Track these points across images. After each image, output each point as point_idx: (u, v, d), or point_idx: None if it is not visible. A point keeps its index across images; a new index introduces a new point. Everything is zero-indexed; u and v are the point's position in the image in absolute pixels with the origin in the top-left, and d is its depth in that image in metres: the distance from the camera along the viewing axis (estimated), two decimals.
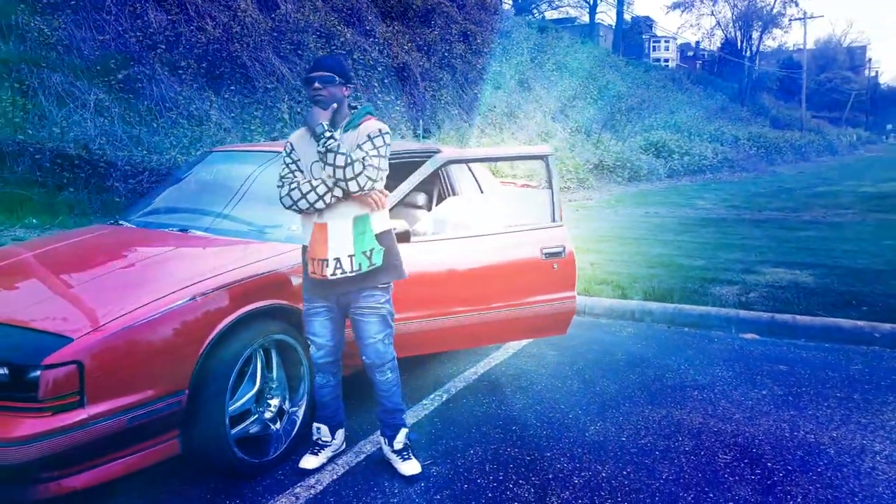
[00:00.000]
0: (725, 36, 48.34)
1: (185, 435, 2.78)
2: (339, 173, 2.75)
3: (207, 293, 2.81)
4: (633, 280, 6.26)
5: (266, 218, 3.62)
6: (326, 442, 3.16)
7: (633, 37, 49.72)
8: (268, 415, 3.15)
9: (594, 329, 5.22)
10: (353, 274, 2.83)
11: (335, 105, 2.86)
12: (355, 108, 2.98)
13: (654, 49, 61.02)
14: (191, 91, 12.26)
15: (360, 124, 2.90)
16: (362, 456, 3.25)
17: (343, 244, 2.81)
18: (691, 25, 74.40)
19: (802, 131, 39.86)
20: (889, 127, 70.88)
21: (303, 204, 2.81)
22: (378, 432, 3.42)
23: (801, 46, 47.88)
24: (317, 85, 2.85)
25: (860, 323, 4.88)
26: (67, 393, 2.40)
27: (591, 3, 42.01)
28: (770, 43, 49.10)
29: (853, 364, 4.46)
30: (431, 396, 3.94)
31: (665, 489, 2.94)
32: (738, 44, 46.75)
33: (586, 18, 44.02)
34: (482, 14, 24.64)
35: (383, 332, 2.99)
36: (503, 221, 4.04)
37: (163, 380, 2.65)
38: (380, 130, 2.86)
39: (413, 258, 3.37)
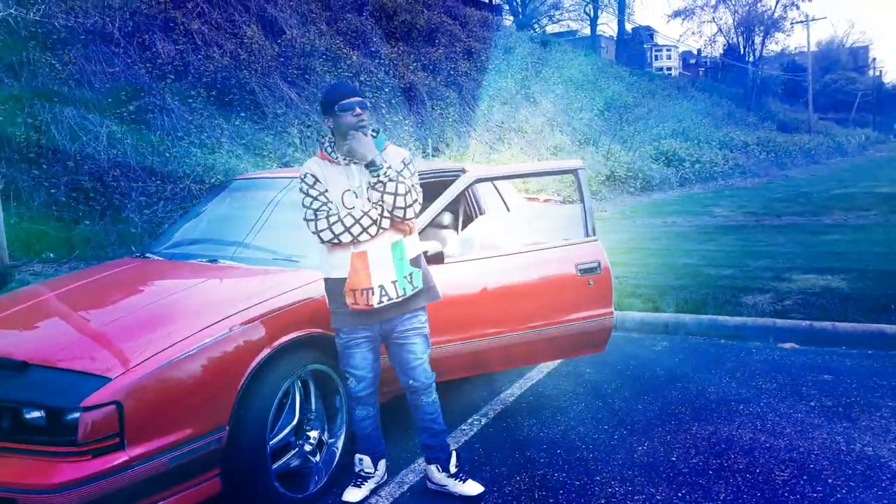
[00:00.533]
0: (727, 42, 48.30)
1: (226, 472, 2.68)
2: (400, 201, 2.73)
3: (244, 325, 2.74)
4: (663, 292, 6.14)
5: (295, 245, 3.53)
6: (369, 473, 3.06)
7: (635, 46, 49.75)
8: (307, 447, 3.06)
9: (628, 344, 5.10)
10: (399, 300, 2.76)
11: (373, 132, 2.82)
12: (375, 132, 2.91)
13: (657, 58, 61.07)
14: (201, 119, 12.28)
15: (383, 150, 2.86)
16: (405, 486, 3.15)
17: (385, 271, 2.75)
18: (693, 33, 74.56)
19: (811, 134, 39.68)
20: None
21: (345, 237, 2.75)
22: (420, 461, 3.34)
23: (804, 49, 47.87)
24: (358, 110, 2.79)
25: None
26: (107, 435, 2.31)
27: (592, 15, 42.11)
28: (773, 47, 49.00)
29: None
30: (469, 421, 3.84)
31: None
32: (741, 49, 46.68)
33: (587, 31, 44.10)
34: (485, 31, 24.75)
35: (427, 351, 2.95)
36: (534, 238, 3.95)
37: (202, 417, 2.56)
38: (410, 156, 2.88)
39: (446, 279, 3.29)
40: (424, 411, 2.97)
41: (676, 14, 47.39)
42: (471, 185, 3.74)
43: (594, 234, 3.89)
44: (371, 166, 2.74)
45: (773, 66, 50.29)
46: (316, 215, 2.78)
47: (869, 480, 3.01)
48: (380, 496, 3.06)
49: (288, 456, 2.96)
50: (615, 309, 5.55)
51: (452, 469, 3.02)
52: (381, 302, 2.74)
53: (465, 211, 4.45)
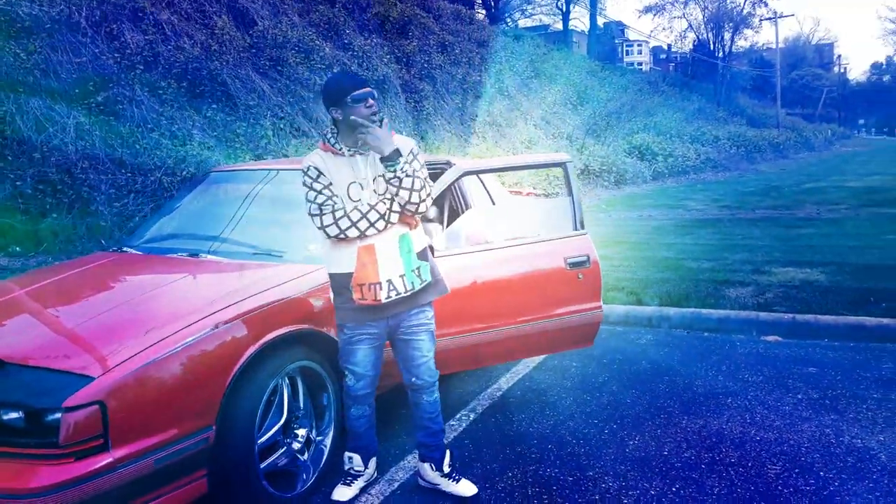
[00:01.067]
0: (697, 38, 48.69)
1: (213, 473, 2.59)
2: (415, 197, 2.65)
3: (231, 322, 2.64)
4: (645, 285, 6.14)
5: (279, 238, 3.45)
6: (359, 471, 2.99)
7: (607, 41, 49.97)
8: (296, 445, 2.97)
9: (612, 338, 5.08)
10: (407, 294, 2.69)
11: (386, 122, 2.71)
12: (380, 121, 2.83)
13: (628, 53, 61.48)
14: (172, 111, 12.02)
15: None
16: (395, 484, 3.08)
17: (393, 265, 2.66)
18: (663, 29, 74.86)
19: (779, 129, 40.21)
20: (861, 122, 72.05)
21: (352, 232, 2.65)
22: (410, 457, 3.28)
23: (772, 45, 48.51)
24: (371, 101, 2.68)
25: (885, 320, 4.79)
26: (91, 436, 2.21)
27: (564, 9, 42.16)
28: (742, 43, 49.52)
29: (883, 363, 4.36)
30: (458, 416, 3.78)
31: None
32: (711, 45, 47.12)
33: (559, 26, 44.18)
34: (458, 24, 24.63)
35: (433, 349, 2.88)
36: (522, 232, 3.89)
37: (189, 416, 2.46)
38: (417, 146, 2.77)
39: None
40: (424, 410, 2.90)
41: (647, 10, 47.62)
42: (459, 178, 3.67)
43: (583, 228, 3.85)
44: (388, 160, 2.62)
45: (742, 63, 50.87)
46: (321, 210, 2.67)
47: (860, 473, 3.02)
48: (370, 494, 2.99)
49: (276, 455, 2.87)
50: None
51: (446, 468, 2.96)
52: (389, 297, 2.66)
53: (450, 204, 4.38)
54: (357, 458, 2.98)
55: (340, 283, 2.74)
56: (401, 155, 2.64)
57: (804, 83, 64.48)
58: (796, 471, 3.05)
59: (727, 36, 46.27)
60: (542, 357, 4.63)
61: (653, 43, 61.84)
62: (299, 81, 15.11)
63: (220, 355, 2.57)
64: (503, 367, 4.47)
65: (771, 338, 4.94)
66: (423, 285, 2.74)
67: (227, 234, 3.51)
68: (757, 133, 35.55)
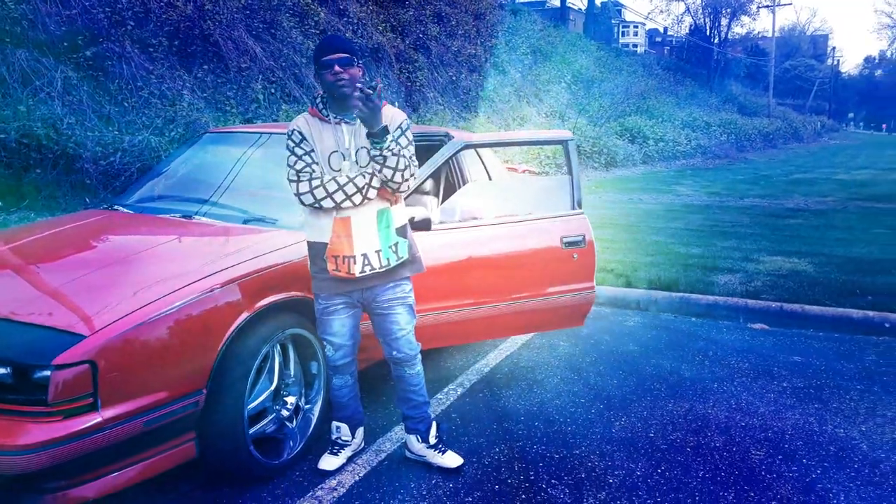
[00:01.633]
0: (694, 22, 48.57)
1: (202, 437, 2.57)
2: (398, 176, 2.58)
3: (225, 285, 2.61)
4: (634, 268, 6.15)
5: (274, 203, 3.40)
6: (346, 441, 2.98)
7: (603, 21, 49.68)
8: (284, 413, 2.96)
9: (600, 319, 5.10)
10: (382, 270, 2.65)
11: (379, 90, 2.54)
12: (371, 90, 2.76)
13: (624, 34, 61.17)
14: (162, 70, 11.82)
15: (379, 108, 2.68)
16: (382, 455, 3.08)
17: (369, 239, 2.62)
18: (661, 11, 74.65)
19: (770, 118, 40.32)
20: (850, 115, 72.41)
21: (327, 203, 2.60)
22: (397, 429, 3.29)
23: (768, 34, 48.46)
24: (338, 68, 2.58)
25: (870, 313, 4.84)
26: (80, 395, 2.18)
27: None
28: (738, 30, 49.48)
29: (867, 355, 4.41)
30: (445, 391, 3.78)
31: (704, 488, 2.83)
32: (707, 30, 47.05)
33: (556, 2, 43.81)
34: None
35: (411, 322, 2.83)
36: (518, 209, 3.87)
37: (180, 379, 2.44)
38: (408, 121, 2.70)
39: (430, 247, 3.20)
40: (408, 383, 2.88)
41: None
42: (459, 151, 3.63)
43: (580, 208, 3.83)
44: (375, 137, 2.54)
45: (737, 50, 50.83)
46: (298, 177, 2.61)
47: (842, 462, 3.05)
48: (356, 464, 2.99)
49: (264, 422, 2.86)
50: None
51: (432, 440, 2.96)
52: (363, 271, 2.63)
53: (447, 178, 4.34)
54: (345, 428, 2.97)
55: (317, 251, 2.70)
56: (388, 133, 2.56)
57: (797, 73, 64.56)
58: (780, 457, 3.09)
59: (724, 22, 46.18)
60: (529, 335, 4.63)
61: (649, 25, 61.63)
62: (292, 46, 14.89)
63: (214, 319, 2.54)
64: (490, 344, 4.48)
65: (758, 325, 4.97)
66: (398, 262, 2.70)
67: (221, 197, 3.46)
68: (747, 121, 35.64)
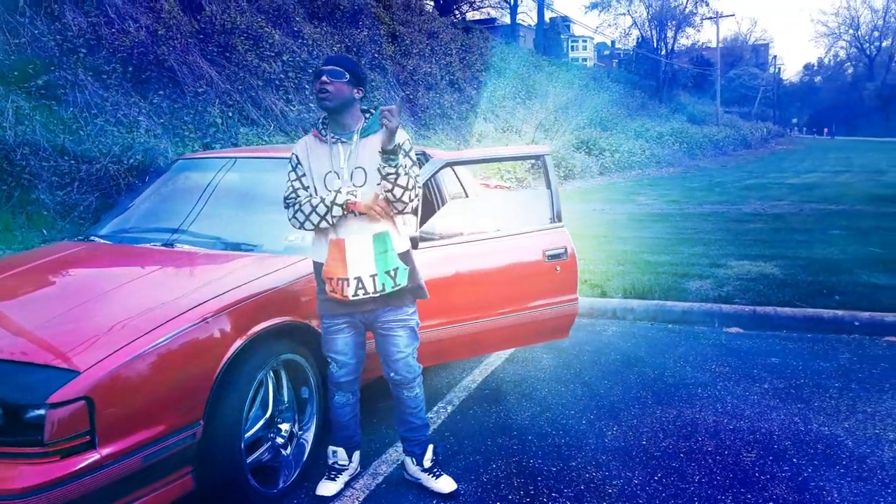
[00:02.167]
0: (641, 35, 49.67)
1: (200, 469, 2.52)
2: (406, 196, 2.59)
3: (218, 314, 2.56)
4: (607, 278, 6.22)
5: (256, 228, 3.37)
6: (343, 466, 2.95)
7: (553, 37, 50.41)
8: (279, 440, 2.91)
9: (579, 329, 5.12)
10: (377, 295, 2.64)
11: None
12: (369, 112, 2.78)
13: (573, 49, 62.19)
14: (117, 97, 11.61)
15: (375, 133, 2.68)
16: (380, 478, 3.05)
17: (364, 263, 2.61)
18: (609, 25, 76.25)
19: (719, 126, 41.34)
20: (794, 120, 74.68)
21: (308, 225, 2.65)
22: (392, 450, 3.26)
23: (712, 44, 49.78)
24: (325, 78, 2.61)
25: (840, 312, 4.97)
26: (77, 433, 2.11)
27: (512, 3, 42.38)
28: (683, 41, 50.78)
29: (840, 353, 4.53)
30: (435, 409, 3.77)
31: (702, 493, 2.86)
32: (654, 42, 48.13)
33: (507, 20, 44.39)
34: (408, 15, 24.49)
35: (412, 345, 2.81)
36: (499, 225, 3.89)
37: (176, 411, 2.38)
38: (408, 140, 2.70)
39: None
40: (406, 405, 2.87)
41: (594, 6, 48.39)
42: (440, 169, 3.65)
43: (560, 220, 3.87)
44: (390, 154, 2.55)
45: (684, 60, 52.08)
46: (286, 201, 2.69)
47: (830, 459, 3.12)
48: (354, 489, 2.95)
49: (261, 450, 2.81)
50: None
51: (427, 464, 2.93)
52: (356, 294, 2.62)
53: (425, 196, 4.34)
54: (341, 452, 2.94)
55: (318, 272, 2.73)
56: (401, 150, 2.59)
57: (741, 82, 66.45)
58: (770, 458, 3.14)
59: (670, 34, 47.31)
60: (512, 349, 4.65)
61: (597, 39, 62.78)
62: (248, 69, 14.78)
63: (208, 348, 2.50)
64: (475, 359, 4.47)
65: (733, 329, 5.07)
66: (395, 289, 2.67)
67: (200, 224, 3.41)
68: (698, 130, 36.49)
